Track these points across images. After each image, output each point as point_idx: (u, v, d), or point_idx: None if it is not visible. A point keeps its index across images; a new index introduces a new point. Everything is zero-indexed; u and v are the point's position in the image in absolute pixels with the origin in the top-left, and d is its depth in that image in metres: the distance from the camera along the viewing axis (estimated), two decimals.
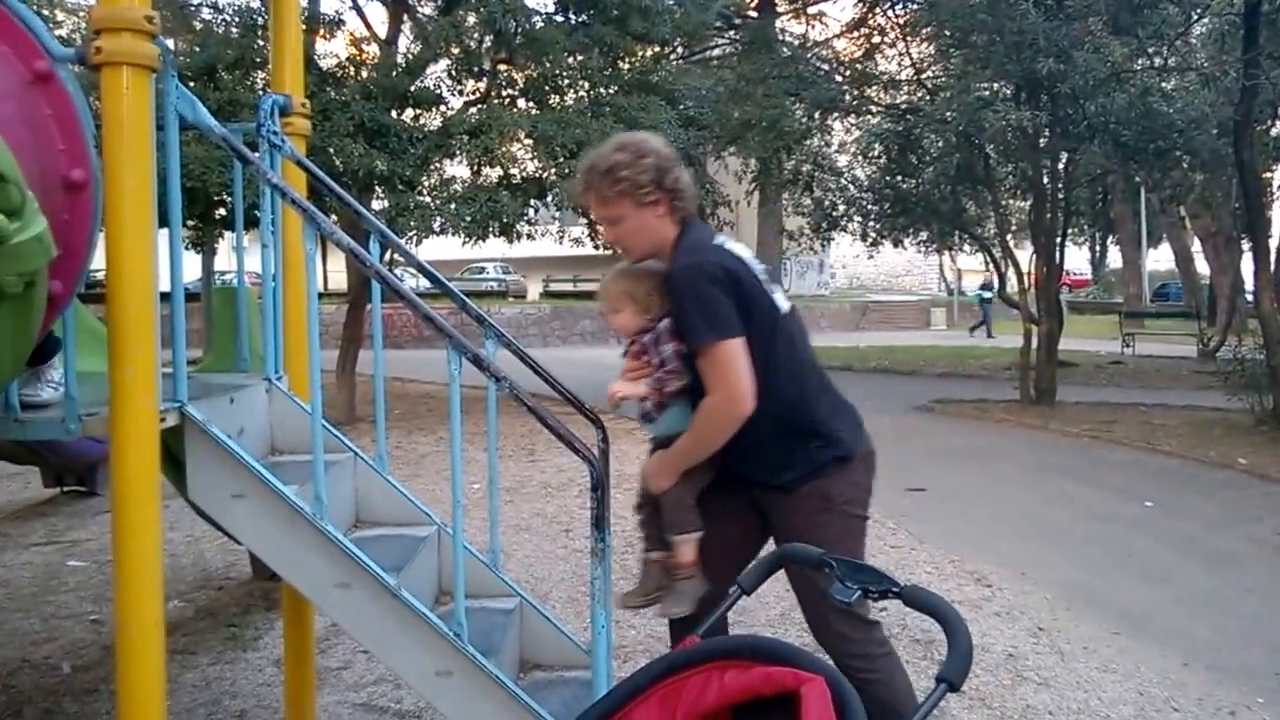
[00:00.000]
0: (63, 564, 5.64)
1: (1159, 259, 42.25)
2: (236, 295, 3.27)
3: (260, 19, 11.44)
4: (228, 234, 12.38)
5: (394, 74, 10.82)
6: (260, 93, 10.19)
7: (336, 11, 11.69)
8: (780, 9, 23.27)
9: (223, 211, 10.89)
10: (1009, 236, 15.52)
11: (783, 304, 2.65)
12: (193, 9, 13.48)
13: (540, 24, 11.27)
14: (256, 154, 2.89)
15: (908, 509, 7.26)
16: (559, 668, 3.17)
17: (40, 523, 6.67)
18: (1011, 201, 16.93)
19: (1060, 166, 13.43)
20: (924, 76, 14.10)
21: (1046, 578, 5.58)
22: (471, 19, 11.36)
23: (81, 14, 24.65)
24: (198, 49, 11.18)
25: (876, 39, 15.27)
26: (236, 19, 11.71)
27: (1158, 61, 12.34)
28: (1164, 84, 12.24)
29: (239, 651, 4.23)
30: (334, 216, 8.39)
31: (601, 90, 11.52)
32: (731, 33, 22.32)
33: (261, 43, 10.77)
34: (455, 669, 2.56)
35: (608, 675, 2.67)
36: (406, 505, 3.17)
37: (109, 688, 3.83)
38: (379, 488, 3.18)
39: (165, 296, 2.39)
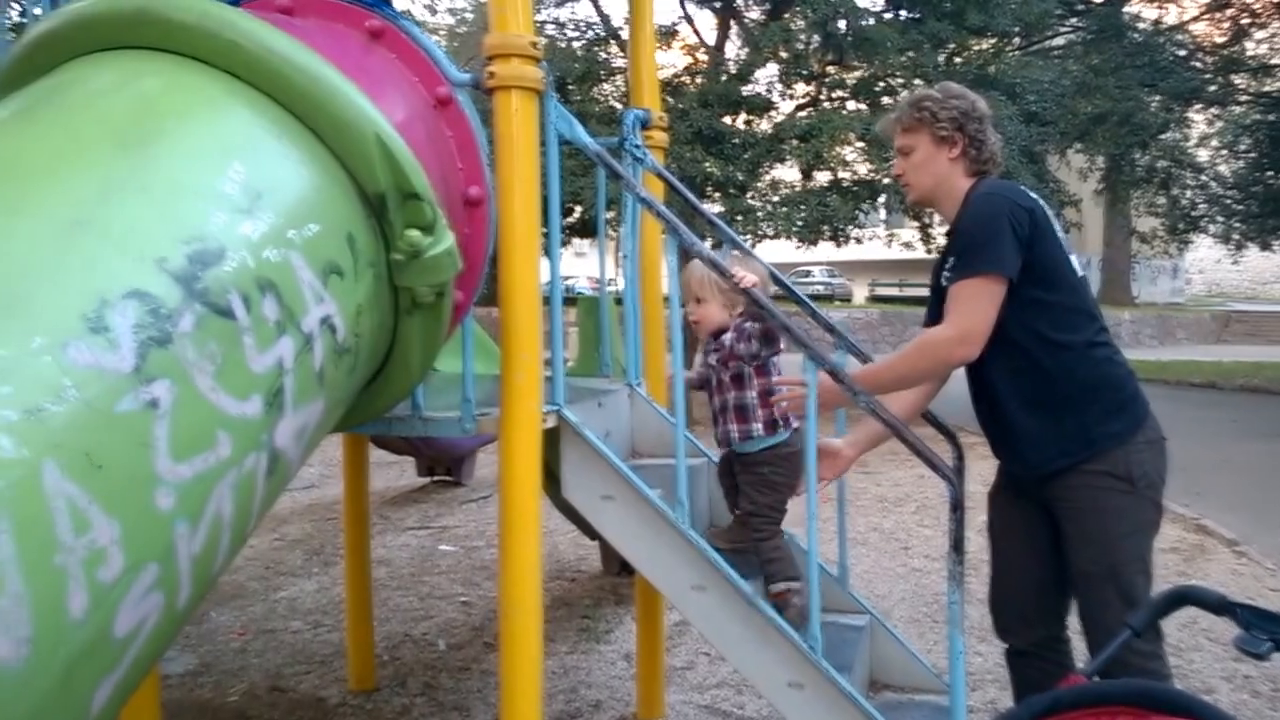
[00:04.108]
0: (434, 548, 6.22)
1: None
2: (598, 303, 3.43)
3: (601, 32, 12.05)
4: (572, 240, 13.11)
5: (722, 80, 11.03)
6: (606, 105, 10.73)
7: (672, 23, 12.08)
8: None
9: (568, 219, 11.55)
10: None
11: (1078, 268, 2.52)
12: (538, 25, 14.43)
13: (871, 23, 11.05)
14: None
15: None
16: (908, 690, 3.06)
17: (414, 509, 7.39)
18: None
19: None
20: None
21: None
22: (799, 22, 11.35)
23: (442, 33, 27.26)
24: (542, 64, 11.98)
25: (1245, 20, 13.62)
26: (578, 34, 12.39)
27: None
28: None
29: (592, 643, 4.44)
30: None
31: (933, 86, 11.09)
32: (1073, 20, 20.81)
33: (604, 56, 11.35)
34: (808, 682, 2.54)
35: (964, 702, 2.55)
36: None
37: (479, 667, 4.15)
38: None
39: None
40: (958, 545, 2.42)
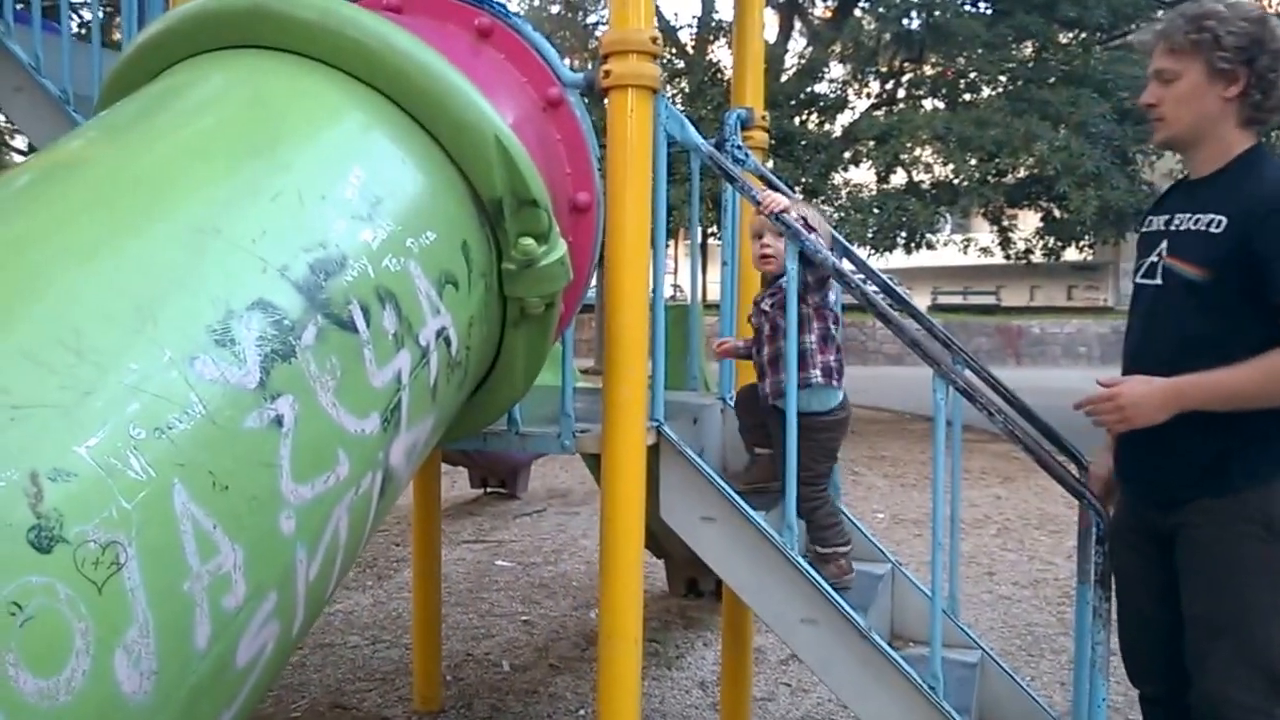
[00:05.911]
0: (491, 563, 6.21)
1: None
2: (687, 313, 3.40)
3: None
4: None
5: (783, 81, 10.97)
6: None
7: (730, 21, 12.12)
8: None
9: None
10: None
11: None
12: (589, 27, 14.50)
13: (950, 16, 10.89)
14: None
15: None
16: None
17: (468, 521, 7.39)
18: None
19: None
20: None
21: None
22: (869, 20, 11.27)
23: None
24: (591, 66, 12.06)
25: None
26: None
27: None
28: None
29: (663, 669, 4.40)
30: None
31: (1019, 83, 10.89)
32: (1160, 12, 20.47)
33: (666, 57, 11.37)
34: None
35: None
36: (859, 539, 3.13)
37: (547, 691, 4.13)
38: None
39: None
40: (1103, 580, 2.33)
